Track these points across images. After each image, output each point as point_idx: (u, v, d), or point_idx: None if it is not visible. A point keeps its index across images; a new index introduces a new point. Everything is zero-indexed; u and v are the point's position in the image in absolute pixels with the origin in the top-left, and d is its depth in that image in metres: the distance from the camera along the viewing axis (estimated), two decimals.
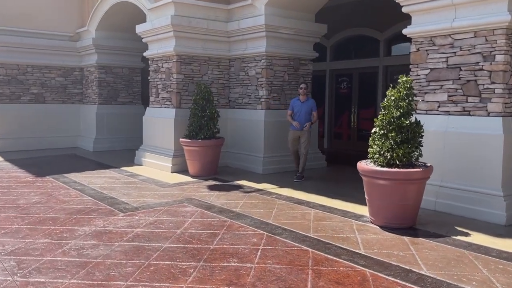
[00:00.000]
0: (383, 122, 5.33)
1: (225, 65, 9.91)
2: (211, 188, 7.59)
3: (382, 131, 5.34)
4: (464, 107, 5.92)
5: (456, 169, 5.82)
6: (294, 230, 5.21)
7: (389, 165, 5.24)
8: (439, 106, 6.17)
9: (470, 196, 5.68)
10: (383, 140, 5.32)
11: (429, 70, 6.28)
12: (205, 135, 8.54)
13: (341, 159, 11.35)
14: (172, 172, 8.98)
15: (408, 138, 5.22)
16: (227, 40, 9.72)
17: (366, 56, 12.79)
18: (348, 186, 7.71)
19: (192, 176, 8.55)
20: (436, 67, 6.18)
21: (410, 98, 5.28)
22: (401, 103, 5.24)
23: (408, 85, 5.30)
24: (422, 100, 6.35)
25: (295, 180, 8.16)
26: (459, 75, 5.94)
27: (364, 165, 5.44)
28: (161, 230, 5.23)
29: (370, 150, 5.52)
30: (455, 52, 5.98)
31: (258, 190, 7.37)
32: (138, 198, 6.86)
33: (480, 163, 5.63)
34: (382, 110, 5.44)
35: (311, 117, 8.20)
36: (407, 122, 5.20)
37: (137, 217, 5.79)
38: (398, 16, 12.04)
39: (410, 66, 6.54)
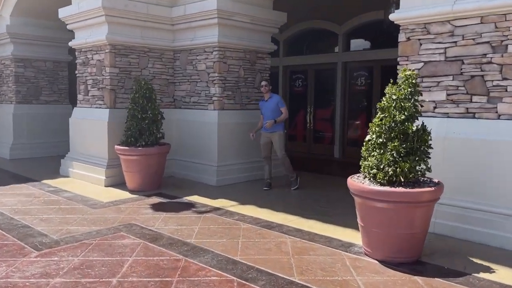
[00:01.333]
0: (381, 128, 4.18)
1: (169, 58, 8.44)
2: (156, 207, 6.13)
3: (381, 139, 4.19)
4: (467, 108, 4.92)
5: (459, 183, 4.81)
6: (272, 272, 3.92)
7: (390, 182, 4.10)
8: (435, 107, 5.14)
9: (478, 216, 4.68)
10: (382, 151, 4.17)
11: (422, 64, 5.23)
12: (147, 141, 7.05)
13: (298, 163, 10.17)
14: (106, 186, 7.39)
15: (414, 148, 4.11)
16: (172, 29, 8.26)
17: (323, 52, 11.80)
18: (320, 199, 6.57)
19: (132, 192, 7.03)
20: (432, 60, 5.15)
21: (415, 97, 4.17)
22: (405, 104, 4.11)
23: (412, 81, 4.18)
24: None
25: (291, 188, 7.32)
26: (461, 69, 4.94)
27: (357, 182, 4.27)
28: (90, 280, 3.76)
29: (364, 163, 4.36)
30: (455, 42, 4.97)
31: (215, 209, 6.02)
32: (60, 225, 5.28)
33: (488, 175, 4.65)
34: (379, 113, 4.29)
35: (277, 115, 7.17)
36: (413, 128, 4.09)
37: (56, 258, 4.26)
38: (358, 7, 11.36)
39: (398, 59, 5.48)
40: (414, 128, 4.08)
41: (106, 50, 7.66)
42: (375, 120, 4.28)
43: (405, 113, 4.08)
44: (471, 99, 4.89)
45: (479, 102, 4.83)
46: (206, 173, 7.72)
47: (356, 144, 11.03)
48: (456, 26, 4.96)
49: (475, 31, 4.82)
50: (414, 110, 4.13)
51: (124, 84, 7.80)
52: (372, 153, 4.26)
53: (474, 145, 4.75)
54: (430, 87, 5.17)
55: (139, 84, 7.20)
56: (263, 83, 7.26)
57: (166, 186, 7.39)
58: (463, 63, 4.93)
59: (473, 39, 4.84)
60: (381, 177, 4.11)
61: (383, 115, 4.21)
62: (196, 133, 7.97)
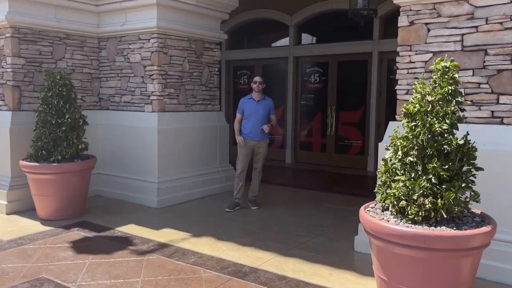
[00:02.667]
0: (412, 142, 2.95)
1: (93, 47, 6.73)
2: (79, 247, 4.50)
3: (411, 158, 2.96)
4: (492, 112, 3.86)
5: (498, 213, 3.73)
6: None
7: (426, 219, 2.89)
8: None
9: None
10: (413, 174, 2.94)
11: (430, 55, 4.11)
12: (64, 154, 5.36)
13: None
14: (7, 214, 5.58)
15: (458, 171, 2.92)
16: (96, 10, 6.55)
17: (272, 45, 10.57)
18: (293, 222, 5.28)
19: (44, 221, 5.29)
20: (444, 49, 4.04)
21: (458, 99, 2.98)
22: (446, 108, 2.91)
23: (453, 76, 2.98)
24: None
25: (252, 207, 6.03)
26: (484, 62, 3.88)
27: (377, 219, 3.00)
28: None
29: (383, 190, 3.12)
30: (476, 27, 3.90)
31: (161, 247, 4.51)
32: None
33: None
34: (406, 120, 3.07)
35: (266, 120, 5.94)
36: (459, 142, 2.90)
37: None
38: None
39: (398, 49, 4.32)
40: (461, 142, 2.89)
41: (7, 35, 5.81)
42: (405, 129, 3.04)
43: (447, 121, 2.88)
44: (497, 100, 3.83)
45: (509, 104, 3.78)
46: (144, 192, 6.14)
47: (309, 148, 9.94)
48: (477, 7, 3.88)
49: (503, 12, 3.77)
50: (457, 117, 2.94)
51: (33, 79, 5.99)
52: (397, 177, 3.02)
53: (505, 159, 3.70)
54: None
55: (53, 79, 5.48)
56: (257, 78, 5.89)
57: (91, 211, 5.72)
58: (486, 53, 3.86)
59: (501, 23, 3.78)
60: (413, 212, 2.88)
61: (413, 123, 2.98)
62: (129, 141, 6.35)
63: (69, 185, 5.31)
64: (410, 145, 2.96)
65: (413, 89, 3.09)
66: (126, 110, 6.55)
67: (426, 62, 4.13)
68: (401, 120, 4.27)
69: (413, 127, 2.98)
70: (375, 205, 3.32)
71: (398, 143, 3.04)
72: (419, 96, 3.00)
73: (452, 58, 3.18)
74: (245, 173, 5.96)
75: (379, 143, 4.37)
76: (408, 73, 4.27)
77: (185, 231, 4.99)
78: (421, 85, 3.05)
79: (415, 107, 2.98)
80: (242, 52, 10.72)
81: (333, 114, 9.52)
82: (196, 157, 6.62)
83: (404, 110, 3.06)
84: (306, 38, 10.04)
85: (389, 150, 3.15)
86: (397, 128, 3.16)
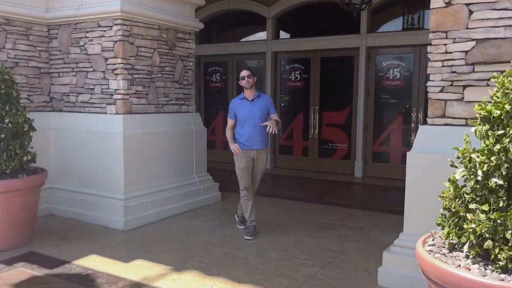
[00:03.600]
0: (498, 159, 2.11)
1: (42, 36, 5.59)
2: None
3: (498, 180, 2.12)
4: None
5: None
6: None
7: None
8: None
9: None
10: (501, 203, 2.11)
11: (473, 43, 3.32)
12: (5, 168, 4.23)
13: (218, 178, 7.97)
14: None
15: None
16: None
17: (248, 39, 9.66)
18: (281, 247, 4.38)
19: None
20: (492, 36, 3.25)
21: None
22: None
23: None
24: (459, 100, 3.39)
25: (247, 238, 4.69)
26: None
27: (451, 268, 2.14)
28: None
29: (455, 224, 2.27)
30: None
31: None
32: None
33: None
34: (485, 126, 2.23)
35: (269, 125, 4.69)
36: None
37: None
38: None
39: (431, 36, 3.51)
40: None
41: None
42: (483, 143, 2.19)
43: None
44: None
45: None
46: (108, 211, 5.07)
47: (289, 152, 9.09)
48: None
49: None
50: None
51: None
52: (472, 205, 2.18)
53: None
54: (487, 80, 3.27)
55: None
56: (244, 72, 4.75)
57: (42, 238, 4.61)
58: None
59: None
60: (505, 257, 2.04)
61: (500, 131, 2.14)
62: (88, 149, 5.27)
63: (12, 207, 4.19)
64: (496, 163, 2.11)
65: (494, 82, 2.25)
66: (84, 111, 5.45)
67: (467, 52, 3.34)
68: (434, 124, 3.54)
69: (499, 137, 2.14)
70: (433, 239, 2.47)
71: (476, 159, 2.19)
72: (507, 95, 2.16)
73: (459, 50, 2.38)
74: (250, 189, 4.79)
75: (408, 153, 3.54)
76: (443, 66, 3.46)
77: (162, 262, 3.99)
78: (503, 80, 2.22)
79: (502, 108, 2.14)
80: (214, 47, 9.73)
81: (316, 115, 8.71)
82: (169, 167, 5.62)
83: (482, 113, 2.21)
84: (285, 31, 9.18)
85: (458, 167, 2.31)
86: (467, 137, 2.32)
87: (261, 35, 9.29)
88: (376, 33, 8.01)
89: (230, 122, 4.89)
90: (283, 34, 9.16)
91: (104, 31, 5.19)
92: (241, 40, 9.77)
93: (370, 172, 8.21)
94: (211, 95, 9.97)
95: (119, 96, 5.15)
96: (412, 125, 7.76)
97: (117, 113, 5.16)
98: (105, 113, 5.25)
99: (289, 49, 8.89)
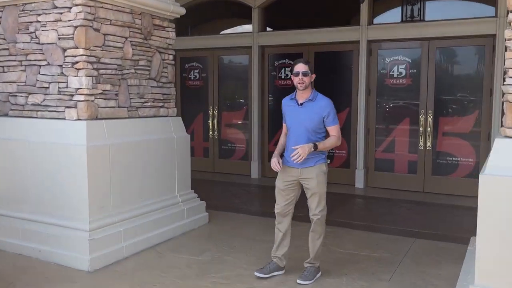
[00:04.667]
0: None
1: None
2: None
3: None
4: None
5: None
6: None
7: None
8: None
9: None
10: None
11: None
12: None
13: (199, 186, 6.92)
14: None
15: None
16: None
17: (231, 31, 8.62)
18: None
19: None
20: None
21: None
22: None
23: None
24: None
25: (300, 282, 3.62)
26: None
27: None
28: None
29: None
30: None
31: None
32: None
33: None
34: None
35: (319, 137, 3.56)
36: None
37: None
38: None
39: (511, 17, 2.57)
40: None
41: None
42: None
43: None
44: None
45: None
46: (68, 245, 3.92)
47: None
48: None
49: None
50: None
51: None
52: None
53: None
54: None
55: None
56: (300, 67, 3.52)
57: None
58: None
59: None
60: None
61: None
62: (42, 165, 4.10)
63: None
64: None
65: None
66: (36, 117, 4.28)
67: None
68: None
69: None
70: None
71: None
72: None
73: None
74: (286, 218, 3.72)
75: (481, 175, 2.59)
76: None
77: None
78: None
79: None
80: (191, 40, 8.60)
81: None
82: (146, 185, 4.52)
83: None
84: (274, 23, 8.16)
85: None
86: None
87: (246, 27, 8.26)
88: (378, 24, 7.11)
89: (284, 126, 3.77)
90: (272, 26, 8.13)
91: (61, 13, 4.04)
92: (223, 33, 8.72)
93: (373, 183, 7.30)
94: (188, 94, 8.85)
95: (82, 97, 4.02)
96: (421, 129, 6.89)
97: (78, 119, 4.03)
98: (64, 118, 4.10)
99: (278, 42, 7.88)
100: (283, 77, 7.96)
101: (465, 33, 6.43)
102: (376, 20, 7.17)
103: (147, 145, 4.53)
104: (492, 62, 6.34)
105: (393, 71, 7.06)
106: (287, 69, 7.90)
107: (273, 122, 8.09)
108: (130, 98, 4.47)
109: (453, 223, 5.38)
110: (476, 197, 2.61)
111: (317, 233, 3.67)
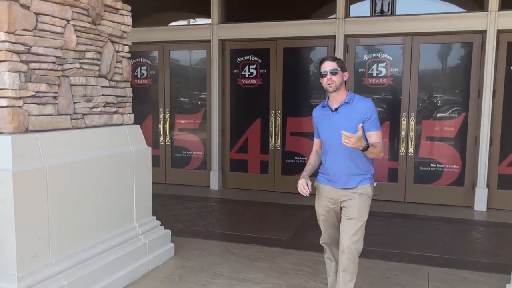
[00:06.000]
0: None
1: None
2: None
3: None
4: None
5: None
6: None
7: None
8: None
9: None
10: None
11: None
12: None
13: (173, 220, 5.89)
14: None
15: None
16: None
17: (185, 23, 7.54)
18: None
19: None
20: None
21: None
22: None
23: None
24: None
25: None
26: None
27: None
28: None
29: None
30: None
31: None
32: None
33: None
34: None
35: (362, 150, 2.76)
36: None
37: None
38: None
39: None
40: None
41: None
42: None
43: None
44: None
45: None
46: None
47: (243, 168, 7.18)
48: None
49: None
50: None
51: None
52: None
53: None
54: None
55: None
56: (327, 65, 2.87)
57: None
58: None
59: None
60: None
61: None
62: None
63: None
64: None
65: None
66: None
67: None
68: None
69: None
70: None
71: None
72: None
73: None
74: (333, 246, 3.09)
75: None
76: None
77: None
78: None
79: None
80: (138, 32, 7.35)
81: (278, 122, 6.87)
82: (96, 218, 3.40)
83: None
84: (237, 14, 7.18)
85: None
86: None
87: (204, 18, 7.22)
88: (357, 18, 6.38)
89: (315, 142, 3.13)
90: (234, 17, 7.12)
91: None
92: (176, 24, 7.62)
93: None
94: (134, 95, 7.63)
95: (4, 102, 2.84)
96: (403, 133, 6.26)
97: (20, 131, 2.85)
98: None
99: (242, 36, 6.92)
100: (247, 75, 7.02)
101: (451, 28, 5.85)
102: (354, 12, 6.43)
103: (96, 164, 3.41)
104: (481, 60, 5.81)
105: (372, 70, 6.37)
106: (251, 66, 6.98)
107: (236, 126, 7.14)
108: (74, 102, 3.33)
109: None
110: None
111: (348, 274, 2.86)
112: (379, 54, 6.33)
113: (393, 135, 6.38)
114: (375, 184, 2.97)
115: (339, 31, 6.31)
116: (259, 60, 6.93)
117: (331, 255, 3.12)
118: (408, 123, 6.22)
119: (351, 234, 2.81)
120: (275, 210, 6.02)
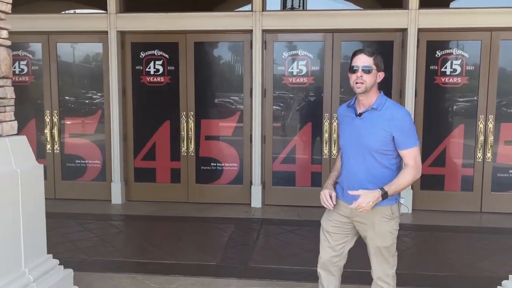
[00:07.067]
0: None
1: None
2: None
3: None
4: None
5: None
6: None
7: None
8: None
9: None
10: None
11: None
12: None
13: (72, 250, 4.85)
14: None
15: None
16: None
17: (76, 11, 6.41)
18: None
19: None
20: None
21: None
22: None
23: None
24: None
25: None
26: None
27: None
28: None
29: None
30: None
31: None
32: None
33: None
34: None
35: (388, 163, 2.43)
36: None
37: None
38: None
39: None
40: None
41: None
42: None
43: None
44: None
45: None
46: None
47: (152, 177, 6.31)
48: None
49: None
50: None
51: None
52: None
53: None
54: None
55: None
56: (360, 60, 2.41)
57: None
58: None
59: None
60: None
61: None
62: None
63: None
64: None
65: None
66: None
67: None
68: None
69: None
70: None
71: None
72: None
73: None
74: (332, 277, 2.61)
75: None
76: None
77: None
78: None
79: None
80: (17, 20, 6.09)
81: (190, 125, 6.12)
82: None
83: None
84: (139, 2, 6.25)
85: None
86: None
87: (99, 6, 6.17)
88: (274, 11, 5.89)
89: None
90: (136, 6, 6.18)
91: None
92: (65, 12, 6.46)
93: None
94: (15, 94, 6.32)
95: None
96: (326, 135, 5.92)
97: None
98: None
99: (145, 28, 6.02)
100: (152, 72, 6.15)
101: (373, 26, 5.64)
102: (271, 5, 5.93)
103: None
104: (402, 59, 5.69)
105: (292, 68, 5.94)
106: (157, 62, 6.13)
107: (141, 130, 6.24)
108: None
109: None
110: None
111: None
112: (299, 51, 5.92)
113: (314, 137, 6.03)
114: (402, 201, 2.50)
115: (256, 25, 5.77)
116: (166, 56, 6.10)
117: (325, 283, 2.62)
118: (331, 124, 5.90)
119: (377, 266, 2.49)
120: (193, 225, 5.27)
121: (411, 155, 2.37)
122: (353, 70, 2.42)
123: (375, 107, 2.43)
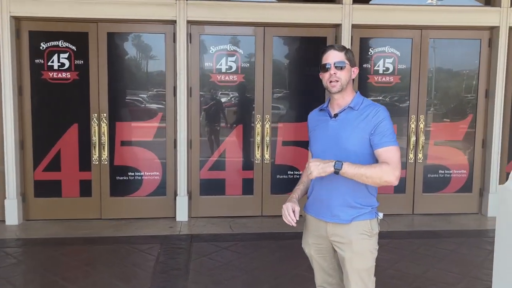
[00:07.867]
0: None
1: None
2: None
3: None
4: None
5: None
6: None
7: None
8: None
9: None
10: None
11: None
12: None
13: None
14: None
15: None
16: None
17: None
18: None
19: None
20: None
21: None
22: None
23: None
24: None
25: None
26: None
27: None
28: None
29: None
30: None
31: None
32: None
33: None
34: None
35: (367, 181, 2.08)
36: None
37: None
38: None
39: None
40: None
41: None
42: None
43: None
44: None
45: None
46: None
47: (55, 192, 5.37)
48: None
49: None
50: None
51: None
52: None
53: None
54: None
55: None
56: (331, 56, 2.16)
57: None
58: None
59: None
60: None
61: None
62: None
63: None
64: None
65: None
66: None
67: None
68: None
69: None
70: None
71: None
72: None
73: None
74: None
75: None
76: None
77: None
78: None
79: None
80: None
81: (103, 128, 5.27)
82: None
83: None
84: None
85: None
86: None
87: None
88: (201, 1, 5.26)
89: (309, 155, 2.41)
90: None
91: None
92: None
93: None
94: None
95: None
96: (258, 138, 5.44)
97: None
98: None
99: (47, 14, 5.05)
100: (56, 67, 5.21)
101: (303, 20, 5.26)
102: None
103: None
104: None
105: (220, 64, 5.37)
106: (62, 55, 5.21)
107: (42, 136, 5.27)
108: None
109: None
110: None
111: None
112: (228, 46, 5.37)
113: (246, 140, 5.52)
114: (380, 216, 2.20)
115: (181, 15, 5.11)
116: (73, 48, 5.21)
117: None
118: (263, 126, 5.43)
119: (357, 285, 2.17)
120: (110, 248, 4.47)
121: (389, 154, 2.07)
122: (325, 69, 2.18)
123: (352, 106, 2.19)
